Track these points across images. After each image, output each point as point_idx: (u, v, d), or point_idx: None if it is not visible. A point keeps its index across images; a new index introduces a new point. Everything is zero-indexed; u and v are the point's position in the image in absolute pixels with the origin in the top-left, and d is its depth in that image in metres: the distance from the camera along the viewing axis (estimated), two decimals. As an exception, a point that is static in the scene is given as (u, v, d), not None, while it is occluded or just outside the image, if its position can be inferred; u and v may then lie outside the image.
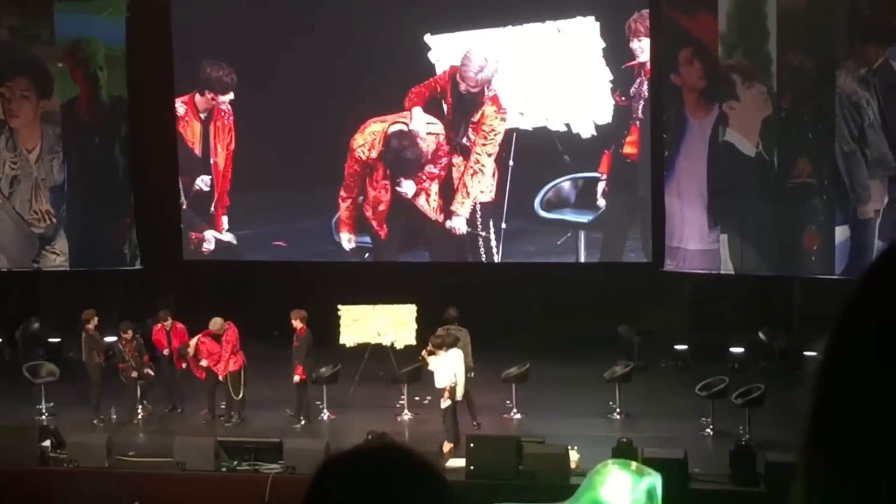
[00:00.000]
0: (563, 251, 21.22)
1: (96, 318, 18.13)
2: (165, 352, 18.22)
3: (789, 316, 20.43)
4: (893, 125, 18.55)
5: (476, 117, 21.11)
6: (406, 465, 1.62)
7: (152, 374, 18.08)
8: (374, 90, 21.11)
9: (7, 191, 22.28)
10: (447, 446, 15.77)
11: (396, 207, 21.65)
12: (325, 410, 17.80)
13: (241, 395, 17.42)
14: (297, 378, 17.31)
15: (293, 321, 17.54)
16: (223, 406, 17.70)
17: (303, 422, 17.34)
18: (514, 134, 21.05)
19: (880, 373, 1.14)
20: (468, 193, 21.36)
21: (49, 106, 22.13)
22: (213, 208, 22.21)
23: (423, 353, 16.56)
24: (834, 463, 1.18)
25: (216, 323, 17.60)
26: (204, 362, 17.60)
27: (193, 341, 17.69)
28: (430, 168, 21.39)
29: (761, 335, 19.78)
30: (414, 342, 18.47)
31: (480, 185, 21.32)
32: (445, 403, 16.08)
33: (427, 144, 21.39)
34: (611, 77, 20.70)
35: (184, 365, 18.14)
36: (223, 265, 22.22)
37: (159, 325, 18.33)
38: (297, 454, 15.02)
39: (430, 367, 16.35)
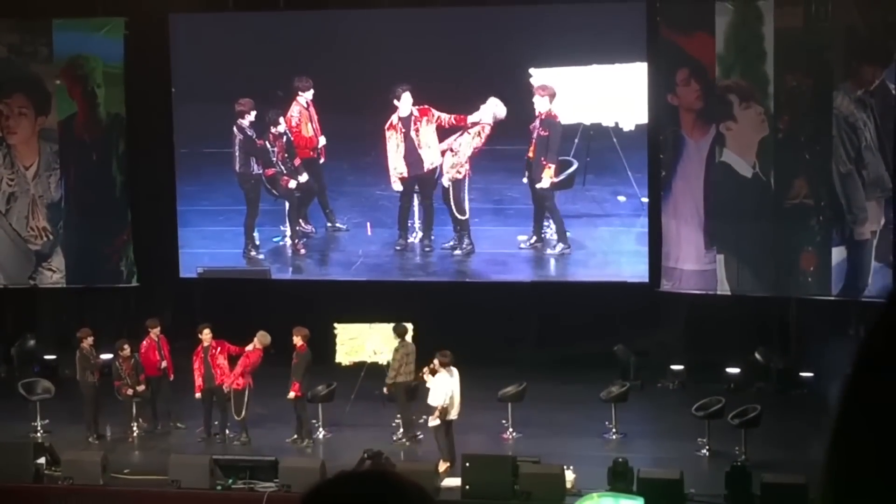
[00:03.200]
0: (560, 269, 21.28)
1: (91, 337, 18.08)
2: (163, 364, 18.14)
3: (786, 336, 20.45)
4: (890, 146, 18.59)
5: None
6: (394, 489, 1.65)
7: (148, 392, 18.03)
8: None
9: (4, 207, 22.28)
10: (442, 466, 15.75)
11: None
12: (320, 429, 17.76)
13: (242, 416, 17.35)
14: (291, 395, 17.27)
15: (294, 338, 17.51)
16: (216, 423, 17.68)
17: (305, 441, 17.27)
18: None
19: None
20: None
21: (47, 123, 22.15)
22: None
23: (426, 370, 16.47)
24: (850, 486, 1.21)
25: (266, 337, 17.60)
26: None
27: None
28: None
29: (757, 356, 19.77)
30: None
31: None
32: (434, 422, 16.06)
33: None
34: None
35: (172, 377, 18.15)
36: (220, 283, 22.21)
37: (147, 341, 18.20)
38: (292, 473, 15.00)
39: (427, 385, 16.30)
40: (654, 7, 20.38)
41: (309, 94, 21.57)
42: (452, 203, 21.31)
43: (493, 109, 20.91)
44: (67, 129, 22.13)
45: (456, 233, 21.47)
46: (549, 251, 21.22)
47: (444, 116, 21.11)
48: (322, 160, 21.82)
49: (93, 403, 17.72)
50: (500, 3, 21.29)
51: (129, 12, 21.77)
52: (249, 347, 17.49)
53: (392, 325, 17.92)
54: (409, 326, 17.90)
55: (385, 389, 17.39)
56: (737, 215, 19.77)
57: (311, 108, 21.68)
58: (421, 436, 17.16)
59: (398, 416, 17.62)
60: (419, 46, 21.33)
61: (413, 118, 21.24)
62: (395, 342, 17.67)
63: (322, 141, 21.73)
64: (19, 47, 22.16)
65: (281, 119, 21.67)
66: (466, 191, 21.34)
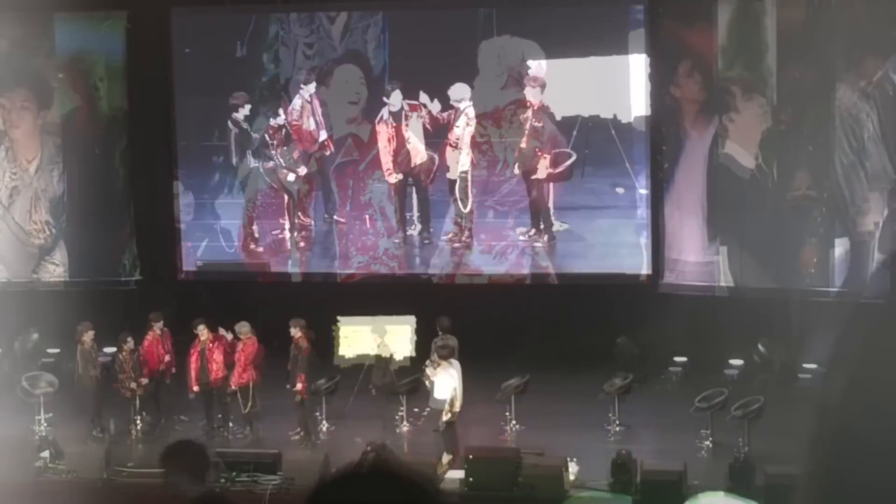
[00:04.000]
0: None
1: (92, 333, 18.08)
2: (166, 360, 18.13)
3: (788, 329, 20.40)
4: (893, 138, 18.56)
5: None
6: (399, 481, 1.64)
7: (150, 387, 18.02)
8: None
9: (6, 202, 22.28)
10: (445, 459, 15.74)
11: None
12: (323, 423, 17.76)
13: (247, 410, 17.35)
14: (299, 397, 17.25)
15: (300, 340, 17.46)
16: (220, 417, 17.68)
17: (304, 444, 17.23)
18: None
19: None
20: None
21: (49, 118, 22.15)
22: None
23: (428, 362, 16.44)
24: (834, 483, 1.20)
25: (246, 325, 17.60)
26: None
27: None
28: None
29: (760, 348, 19.75)
30: (413, 353, 18.45)
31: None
32: (446, 417, 16.04)
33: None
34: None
35: (174, 371, 18.16)
36: (221, 279, 22.20)
37: (149, 336, 18.19)
38: (295, 467, 15.01)
39: (431, 380, 16.27)
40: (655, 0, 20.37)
41: (311, 87, 21.59)
42: (458, 196, 21.32)
43: (461, 93, 20.95)
44: (69, 124, 22.13)
45: (456, 225, 21.48)
46: (536, 244, 21.24)
47: (435, 110, 21.22)
48: (328, 152, 21.84)
49: (95, 398, 17.72)
50: (498, 3, 21.27)
51: (130, 7, 21.76)
52: (241, 343, 17.49)
53: (358, 323, 18.00)
54: (388, 327, 17.96)
55: (373, 391, 17.42)
56: (739, 208, 19.76)
57: (315, 101, 21.70)
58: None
59: (401, 409, 17.65)
60: (417, 43, 21.37)
61: (404, 113, 21.30)
62: (378, 342, 17.71)
63: (324, 134, 21.74)
64: (21, 42, 22.14)
65: (280, 111, 21.69)
66: (470, 183, 21.34)
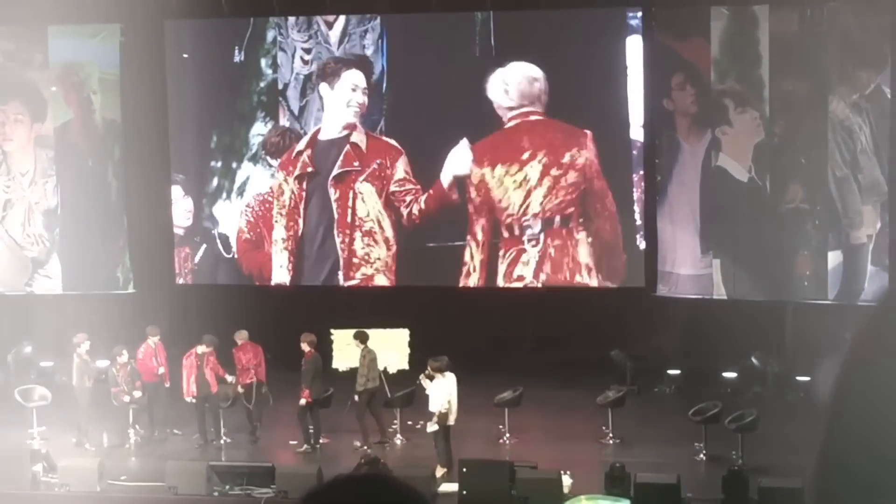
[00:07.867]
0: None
1: (88, 343, 18.07)
2: (161, 370, 18.13)
3: (782, 341, 20.44)
4: (886, 151, 18.62)
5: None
6: (392, 487, 1.66)
7: (144, 398, 18.01)
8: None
9: (0, 214, 22.27)
10: (440, 471, 15.73)
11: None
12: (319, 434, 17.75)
13: (251, 405, 17.58)
14: (302, 401, 17.23)
15: (301, 344, 17.45)
16: (213, 430, 17.69)
17: (305, 447, 17.22)
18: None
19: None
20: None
21: (42, 129, 22.14)
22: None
23: (422, 377, 16.46)
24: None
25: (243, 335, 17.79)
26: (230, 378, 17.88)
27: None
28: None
29: (754, 360, 19.78)
30: (406, 366, 18.44)
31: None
32: (432, 428, 16.03)
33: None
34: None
35: (167, 384, 18.18)
36: (216, 289, 22.18)
37: (144, 347, 18.18)
38: (289, 479, 14.98)
39: (426, 391, 16.28)
40: (649, 12, 20.41)
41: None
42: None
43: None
44: (63, 135, 22.13)
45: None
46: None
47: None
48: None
49: (89, 411, 17.68)
50: (495, 8, 21.28)
51: (124, 19, 21.77)
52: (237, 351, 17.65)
53: (353, 331, 17.93)
54: (370, 332, 17.97)
55: (356, 397, 17.35)
56: (733, 220, 19.79)
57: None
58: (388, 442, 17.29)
59: (395, 422, 17.63)
60: (412, 53, 21.42)
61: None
62: (360, 349, 17.64)
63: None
64: (14, 54, 22.14)
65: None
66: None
